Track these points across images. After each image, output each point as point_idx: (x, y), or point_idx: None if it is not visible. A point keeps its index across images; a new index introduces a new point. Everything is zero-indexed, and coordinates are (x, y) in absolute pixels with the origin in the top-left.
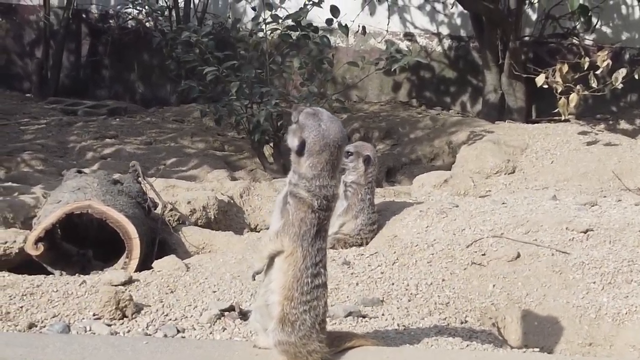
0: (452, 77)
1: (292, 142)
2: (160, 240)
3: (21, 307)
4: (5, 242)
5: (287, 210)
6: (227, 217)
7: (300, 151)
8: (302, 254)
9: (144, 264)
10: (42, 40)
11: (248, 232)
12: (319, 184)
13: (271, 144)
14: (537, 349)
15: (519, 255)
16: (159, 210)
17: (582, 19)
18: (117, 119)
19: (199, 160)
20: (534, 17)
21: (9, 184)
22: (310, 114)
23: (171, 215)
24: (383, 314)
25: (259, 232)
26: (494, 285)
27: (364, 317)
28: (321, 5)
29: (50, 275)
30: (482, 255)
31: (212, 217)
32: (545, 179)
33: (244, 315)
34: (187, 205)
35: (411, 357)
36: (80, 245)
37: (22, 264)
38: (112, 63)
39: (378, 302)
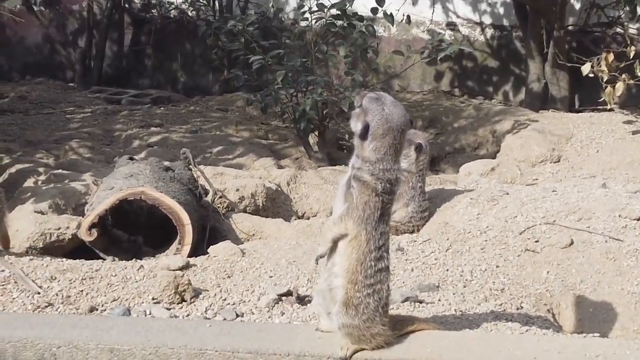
0: (494, 66)
1: (356, 125)
2: (210, 227)
3: (81, 291)
4: (59, 228)
5: (351, 194)
6: (275, 205)
7: (364, 135)
8: (365, 238)
9: (195, 251)
10: (85, 30)
11: (296, 219)
12: (382, 168)
13: (316, 133)
14: (597, 335)
15: (572, 242)
16: (209, 198)
17: (627, 8)
18: (162, 108)
19: (244, 148)
20: (577, 6)
21: (59, 171)
22: (373, 98)
23: (220, 203)
24: (439, 300)
25: (308, 219)
26: (548, 272)
27: (420, 302)
28: None
29: (107, 260)
30: (536, 242)
31: (261, 205)
32: (591, 167)
33: (301, 300)
34: (235, 193)
35: (474, 342)
36: (130, 231)
37: (74, 250)
38: (154, 52)
39: (434, 287)
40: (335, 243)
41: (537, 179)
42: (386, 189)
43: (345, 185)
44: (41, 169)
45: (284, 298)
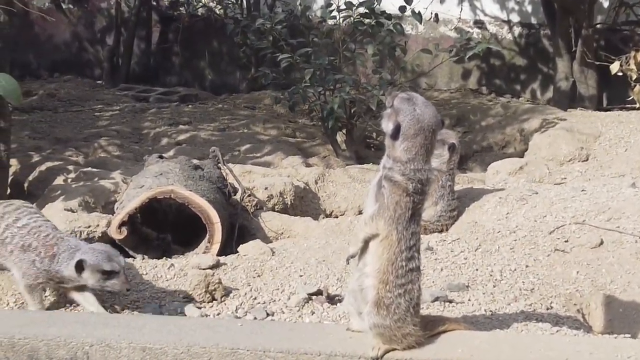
0: (522, 64)
1: (387, 126)
2: (239, 226)
3: None
4: (89, 226)
5: (382, 194)
6: (303, 203)
7: (395, 135)
8: (397, 238)
9: (224, 250)
10: (113, 28)
11: (324, 218)
12: (413, 168)
13: (344, 131)
14: (629, 335)
15: (602, 242)
16: (238, 196)
17: None
18: (190, 106)
19: (272, 146)
20: (606, 4)
21: (89, 169)
22: (405, 99)
23: (249, 201)
24: (469, 299)
25: (336, 218)
26: (577, 272)
27: (450, 302)
28: None
29: (138, 258)
30: (565, 242)
31: (289, 203)
32: (620, 166)
33: (331, 300)
34: (264, 191)
35: (505, 342)
36: (158, 229)
37: None
38: (182, 50)
39: (463, 287)
40: (366, 243)
41: (565, 178)
42: (417, 189)
43: (377, 185)
44: (71, 167)
45: (314, 297)
